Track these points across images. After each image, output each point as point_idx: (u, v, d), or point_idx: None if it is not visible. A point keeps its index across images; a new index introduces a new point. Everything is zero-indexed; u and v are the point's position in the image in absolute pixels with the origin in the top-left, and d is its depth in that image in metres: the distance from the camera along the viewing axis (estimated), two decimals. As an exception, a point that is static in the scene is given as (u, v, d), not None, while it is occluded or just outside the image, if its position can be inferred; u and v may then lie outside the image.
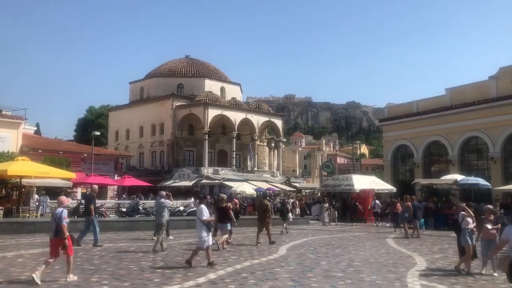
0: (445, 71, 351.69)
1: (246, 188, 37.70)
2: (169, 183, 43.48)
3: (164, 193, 15.78)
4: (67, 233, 9.18)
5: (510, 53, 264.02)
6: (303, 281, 9.56)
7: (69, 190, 31.68)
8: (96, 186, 17.23)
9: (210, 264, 11.05)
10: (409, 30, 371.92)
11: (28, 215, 22.12)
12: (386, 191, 32.93)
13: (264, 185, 44.28)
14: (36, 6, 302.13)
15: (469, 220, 11.14)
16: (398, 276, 10.36)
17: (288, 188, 48.00)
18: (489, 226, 10.97)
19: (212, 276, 9.91)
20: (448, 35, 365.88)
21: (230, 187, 39.39)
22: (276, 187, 45.86)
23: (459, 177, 28.34)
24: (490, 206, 12.25)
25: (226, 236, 14.94)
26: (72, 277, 9.21)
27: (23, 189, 25.51)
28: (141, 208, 25.60)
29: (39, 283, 8.67)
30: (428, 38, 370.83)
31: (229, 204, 16.09)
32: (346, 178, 33.79)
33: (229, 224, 14.91)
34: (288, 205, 23.27)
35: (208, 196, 14.77)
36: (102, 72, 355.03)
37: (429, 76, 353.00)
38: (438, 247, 16.68)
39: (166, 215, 14.66)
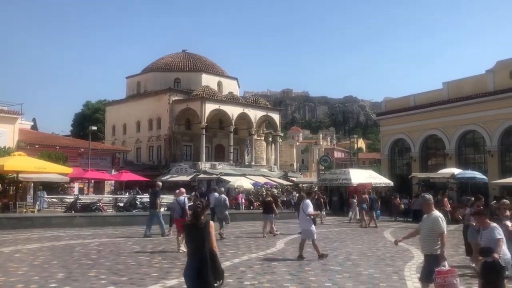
0: (442, 65, 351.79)
1: (244, 182, 37.60)
2: (166, 177, 43.41)
3: (223, 189, 18.05)
4: (188, 215, 12.56)
5: (507, 47, 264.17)
6: (301, 275, 9.58)
7: (66, 185, 31.65)
8: (160, 183, 18.42)
9: (321, 256, 11.58)
10: (406, 24, 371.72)
11: (25, 210, 22.07)
12: (383, 185, 32.98)
13: (262, 180, 44.24)
14: (32, 1, 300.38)
15: None
16: (396, 269, 10.39)
17: (285, 183, 47.99)
18: (509, 224, 9.64)
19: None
20: (446, 29, 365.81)
21: (228, 182, 39.35)
22: (274, 181, 45.84)
23: (456, 170, 28.40)
24: (507, 201, 10.99)
25: (272, 225, 17.33)
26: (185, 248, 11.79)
27: (20, 184, 25.46)
28: (138, 203, 25.56)
29: (184, 250, 11.55)
30: (425, 32, 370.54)
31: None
32: (343, 172, 33.77)
33: (272, 215, 17.29)
34: (322, 199, 25.56)
35: (312, 192, 16.62)
36: (99, 67, 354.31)
37: (426, 70, 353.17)
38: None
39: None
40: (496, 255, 6.61)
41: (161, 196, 17.76)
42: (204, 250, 5.41)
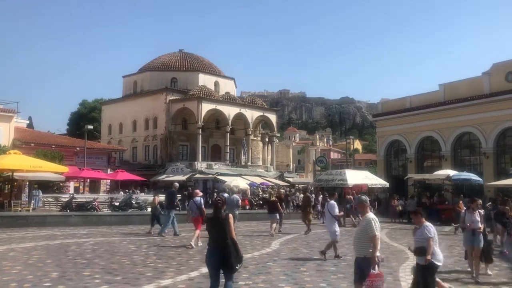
0: (439, 66, 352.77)
1: (240, 182, 37.48)
2: (162, 177, 43.34)
3: (236, 189, 19.71)
4: (205, 213, 13.50)
5: (503, 49, 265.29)
6: (296, 275, 9.58)
7: (61, 184, 31.53)
8: (177, 184, 19.24)
9: (337, 257, 11.88)
10: (403, 26, 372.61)
11: (20, 209, 21.98)
12: (379, 186, 32.97)
13: (258, 180, 44.21)
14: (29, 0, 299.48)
15: (476, 218, 10.20)
16: (391, 270, 10.39)
17: (281, 183, 47.96)
18: None
19: (204, 270, 9.86)
20: (442, 30, 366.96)
21: (224, 182, 39.30)
22: (270, 181, 45.82)
23: (451, 172, 28.49)
24: None
25: (275, 224, 17.83)
26: (194, 245, 13.41)
27: (15, 183, 25.35)
28: (134, 202, 25.52)
29: (195, 246, 13.24)
30: (422, 34, 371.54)
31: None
32: (339, 173, 33.62)
33: (277, 214, 18.02)
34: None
35: (336, 193, 17.20)
36: (96, 65, 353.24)
37: (423, 72, 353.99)
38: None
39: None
40: (428, 257, 6.77)
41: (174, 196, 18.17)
42: (226, 239, 6.34)
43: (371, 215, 6.83)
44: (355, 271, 6.85)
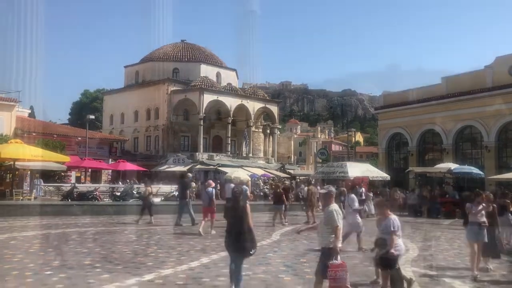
0: (441, 59, 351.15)
1: (241, 174, 37.54)
2: (163, 168, 43.43)
3: (244, 180, 20.42)
4: (215, 204, 15.14)
5: (506, 43, 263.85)
6: (296, 266, 9.62)
7: (63, 174, 31.63)
8: (190, 174, 19.91)
9: (361, 249, 11.89)
10: (406, 18, 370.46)
11: (21, 198, 22.06)
12: (380, 179, 32.96)
13: (259, 171, 44.27)
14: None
15: (481, 212, 9.79)
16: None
17: (282, 175, 48.02)
18: None
19: (205, 260, 9.93)
20: (445, 23, 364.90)
21: (225, 173, 39.37)
22: (271, 173, 45.89)
23: (453, 165, 28.44)
24: None
25: (278, 215, 18.19)
26: (213, 232, 14.24)
27: (17, 172, 25.42)
28: (135, 192, 25.56)
29: (203, 234, 13.82)
30: (425, 27, 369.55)
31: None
32: (341, 165, 33.65)
33: (282, 206, 18.35)
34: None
35: (357, 186, 17.28)
36: (97, 55, 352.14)
37: (424, 68, 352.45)
38: (431, 235, 16.79)
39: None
40: (392, 250, 6.77)
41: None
42: (242, 226, 6.98)
43: (334, 206, 6.82)
44: (318, 263, 6.83)
